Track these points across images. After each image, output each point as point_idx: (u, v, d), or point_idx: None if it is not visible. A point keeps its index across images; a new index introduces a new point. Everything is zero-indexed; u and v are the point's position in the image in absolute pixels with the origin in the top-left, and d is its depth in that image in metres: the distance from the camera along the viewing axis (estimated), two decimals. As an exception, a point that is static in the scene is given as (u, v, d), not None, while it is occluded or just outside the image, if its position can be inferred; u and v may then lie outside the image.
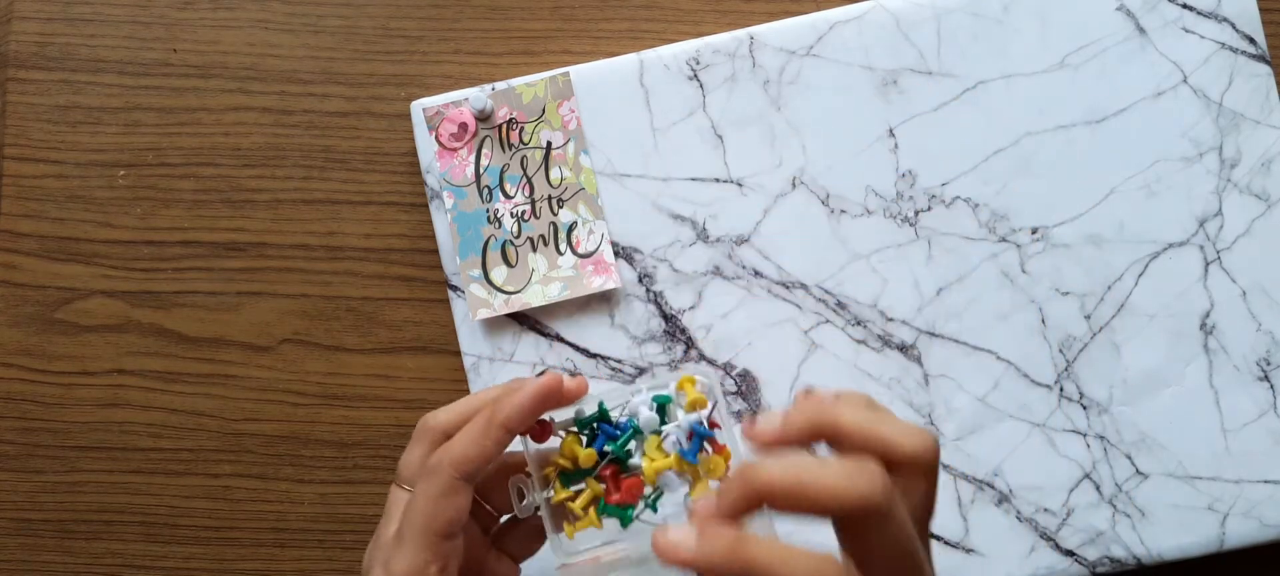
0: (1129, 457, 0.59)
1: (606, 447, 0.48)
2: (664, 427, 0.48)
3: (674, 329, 0.60)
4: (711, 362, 0.60)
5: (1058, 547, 0.59)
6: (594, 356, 0.60)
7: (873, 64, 0.60)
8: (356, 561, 0.63)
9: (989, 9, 0.60)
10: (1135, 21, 0.60)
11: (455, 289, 0.61)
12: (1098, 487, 0.59)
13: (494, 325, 0.61)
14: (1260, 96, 0.59)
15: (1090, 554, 0.59)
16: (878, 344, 0.60)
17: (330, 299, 0.63)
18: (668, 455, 0.47)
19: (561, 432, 0.49)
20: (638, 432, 0.48)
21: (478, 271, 0.60)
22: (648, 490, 0.48)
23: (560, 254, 0.60)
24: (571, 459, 0.48)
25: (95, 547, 0.64)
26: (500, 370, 0.60)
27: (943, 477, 0.59)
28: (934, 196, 0.60)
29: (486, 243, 0.61)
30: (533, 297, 0.60)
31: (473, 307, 0.60)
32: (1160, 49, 0.60)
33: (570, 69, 0.61)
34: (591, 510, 0.47)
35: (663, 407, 0.49)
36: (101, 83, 0.65)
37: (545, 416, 0.48)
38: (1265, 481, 0.59)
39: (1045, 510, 0.59)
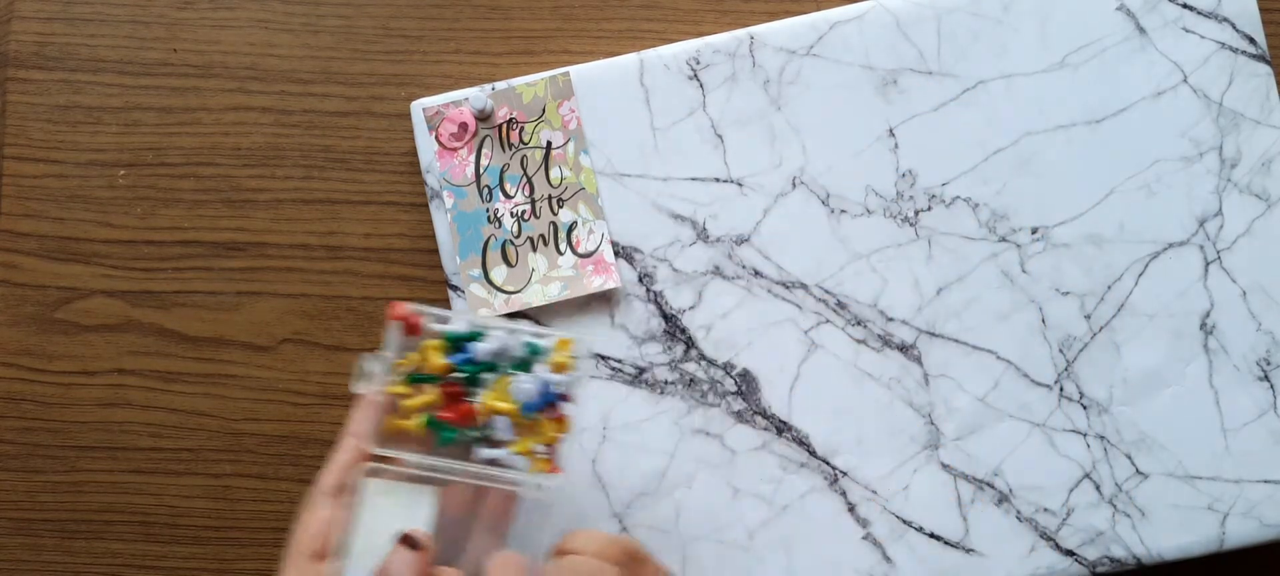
0: (1129, 457, 0.59)
1: (462, 366, 0.49)
2: (519, 374, 0.50)
3: (674, 329, 0.60)
4: (711, 362, 0.60)
5: (1058, 547, 0.59)
6: (594, 356, 0.60)
7: (873, 64, 0.60)
8: (356, 561, 0.63)
9: (989, 9, 0.60)
10: (1135, 21, 0.60)
11: (455, 289, 0.61)
12: (1098, 487, 0.59)
13: (494, 325, 0.61)
14: (1260, 96, 0.59)
15: (1090, 554, 0.59)
16: (878, 344, 0.60)
17: (330, 299, 0.63)
18: (513, 401, 0.49)
19: (428, 336, 0.50)
20: (494, 368, 0.49)
21: (478, 271, 0.60)
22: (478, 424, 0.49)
23: (560, 254, 0.60)
24: (421, 362, 0.49)
25: (95, 547, 0.64)
26: (500, 370, 0.60)
27: (944, 477, 0.59)
28: (934, 196, 0.60)
29: (486, 242, 0.61)
30: (533, 297, 0.60)
31: (473, 307, 0.60)
32: (1160, 49, 0.60)
33: (570, 69, 0.61)
34: (419, 415, 0.49)
35: (530, 356, 0.50)
36: (101, 83, 0.65)
37: (421, 316, 0.50)
38: (1265, 481, 0.59)
39: (1045, 510, 0.59)
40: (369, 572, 0.47)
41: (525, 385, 0.49)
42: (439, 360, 0.49)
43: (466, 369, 0.49)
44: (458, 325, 0.50)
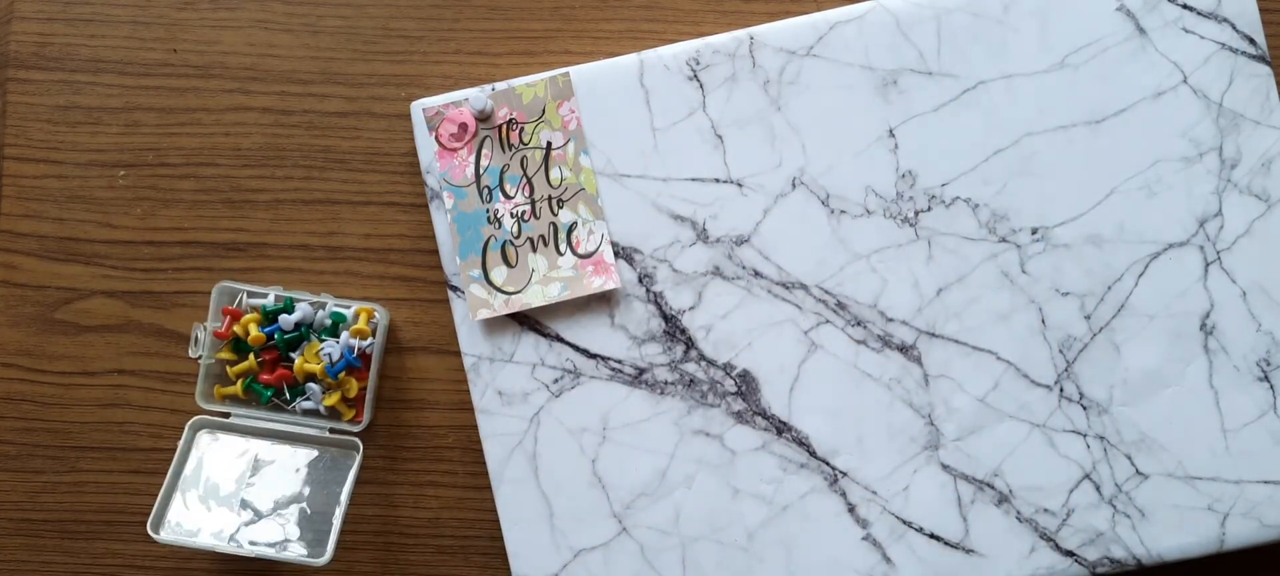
0: (1129, 458, 0.59)
1: (274, 335, 0.60)
2: (325, 340, 0.60)
3: (674, 329, 0.60)
4: (711, 363, 0.60)
5: (1058, 548, 0.59)
6: (594, 356, 0.60)
7: (873, 64, 0.60)
8: (355, 561, 0.63)
9: (989, 9, 0.60)
10: (1135, 21, 0.60)
11: (455, 289, 0.61)
12: (1098, 488, 0.59)
13: (494, 325, 0.61)
14: (1260, 96, 0.59)
15: (1090, 554, 0.59)
16: (878, 344, 0.60)
17: (330, 299, 0.63)
18: (320, 363, 0.60)
19: (247, 310, 0.61)
20: (305, 336, 0.60)
21: (478, 271, 0.60)
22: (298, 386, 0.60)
23: (560, 254, 0.60)
24: (244, 333, 0.60)
25: (95, 547, 0.64)
26: (500, 370, 0.60)
27: (944, 478, 0.59)
28: (934, 197, 0.60)
29: (486, 243, 0.61)
30: (533, 298, 0.60)
31: (473, 308, 0.60)
32: (1160, 49, 0.60)
33: (570, 69, 0.61)
34: (241, 380, 0.60)
35: (337, 324, 0.61)
36: (101, 83, 0.65)
37: (236, 301, 0.61)
38: (1265, 481, 0.59)
39: (1045, 510, 0.59)
40: (197, 511, 0.59)
41: (329, 349, 0.60)
42: (254, 332, 0.60)
43: (280, 337, 0.60)
44: (268, 299, 0.61)
